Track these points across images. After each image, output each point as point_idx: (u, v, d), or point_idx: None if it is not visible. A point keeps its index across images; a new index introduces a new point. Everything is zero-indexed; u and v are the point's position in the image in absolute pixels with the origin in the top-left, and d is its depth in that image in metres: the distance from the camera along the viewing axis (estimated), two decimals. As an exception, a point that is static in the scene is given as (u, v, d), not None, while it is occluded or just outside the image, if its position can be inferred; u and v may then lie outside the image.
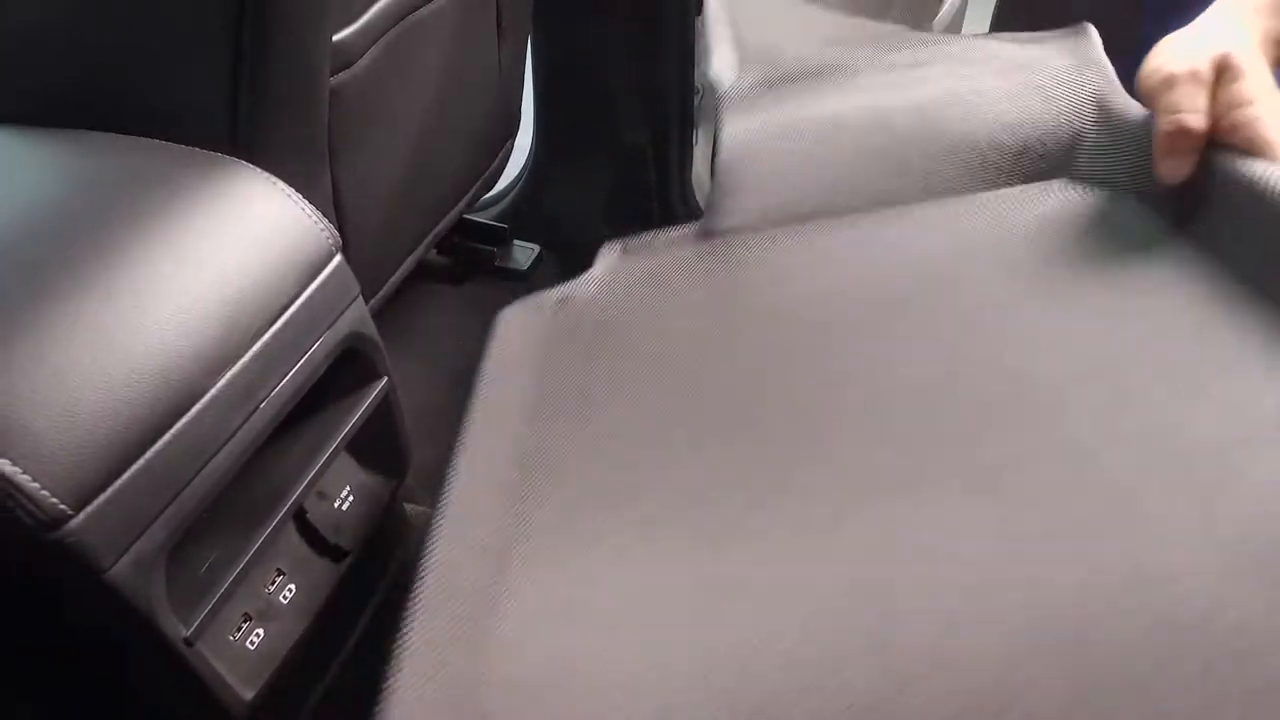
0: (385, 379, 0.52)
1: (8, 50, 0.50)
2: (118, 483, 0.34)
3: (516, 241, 1.20)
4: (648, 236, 0.53)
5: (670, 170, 1.18)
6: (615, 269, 0.51)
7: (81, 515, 0.33)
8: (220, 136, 0.51)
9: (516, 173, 1.26)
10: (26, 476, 0.31)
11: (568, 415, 0.41)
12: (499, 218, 1.24)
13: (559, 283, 0.52)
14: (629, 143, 1.16)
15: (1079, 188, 0.52)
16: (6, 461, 0.31)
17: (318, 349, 0.44)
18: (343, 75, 0.62)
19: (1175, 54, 0.46)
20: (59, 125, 0.49)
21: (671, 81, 1.10)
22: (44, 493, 0.31)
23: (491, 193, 1.17)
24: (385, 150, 0.74)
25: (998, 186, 0.53)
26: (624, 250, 0.52)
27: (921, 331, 0.45)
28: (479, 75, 0.92)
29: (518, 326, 0.48)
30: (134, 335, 0.35)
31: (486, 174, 1.06)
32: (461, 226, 1.18)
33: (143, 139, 0.45)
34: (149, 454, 0.35)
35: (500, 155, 1.07)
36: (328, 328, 0.45)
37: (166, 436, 0.36)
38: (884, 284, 0.48)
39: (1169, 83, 0.45)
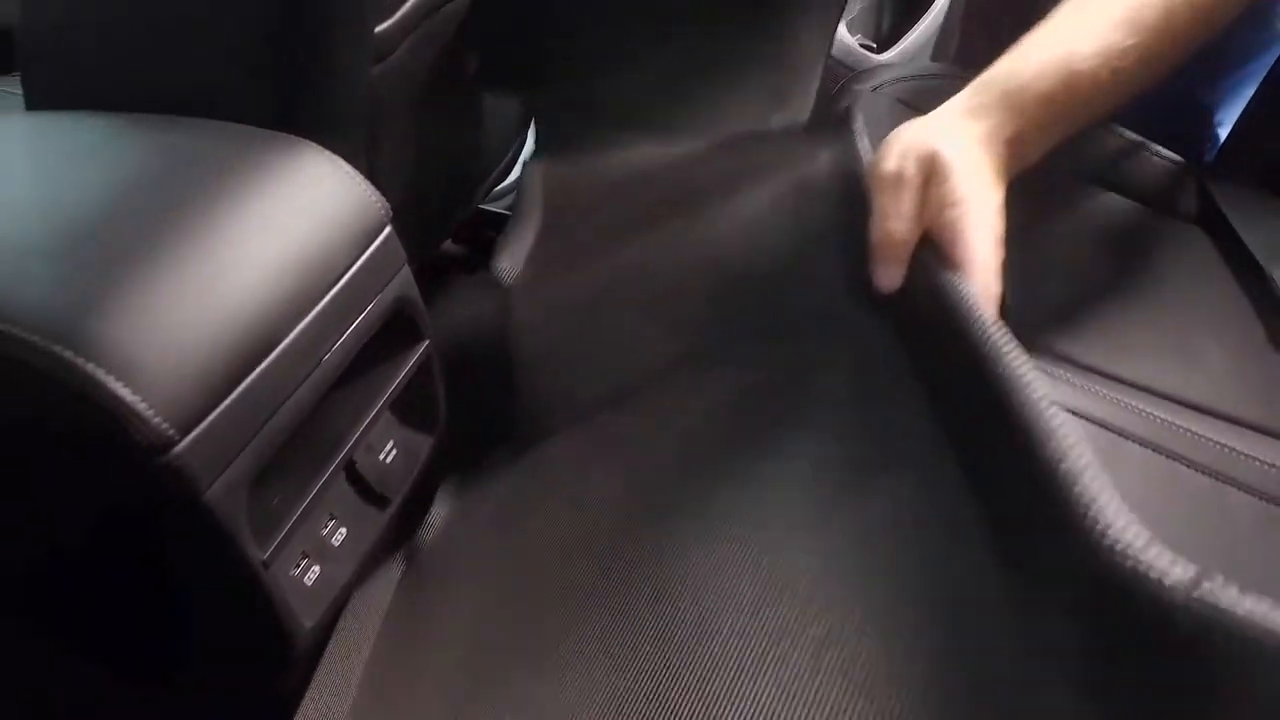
0: (427, 342, 0.57)
1: (79, 40, 0.55)
2: (214, 414, 0.38)
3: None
4: None
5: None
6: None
7: (186, 440, 0.37)
8: (267, 124, 0.56)
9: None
10: (144, 403, 0.36)
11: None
12: (511, 207, 1.29)
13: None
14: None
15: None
16: (126, 389, 0.35)
17: (373, 309, 0.49)
18: (380, 67, 0.67)
19: (891, 153, 0.44)
20: (123, 110, 0.54)
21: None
22: (156, 418, 0.36)
23: (504, 184, 1.22)
24: (414, 140, 0.79)
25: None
26: None
27: None
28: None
29: None
30: (225, 286, 0.40)
31: (501, 165, 1.11)
32: (476, 216, 1.23)
33: (208, 120, 0.50)
34: (238, 390, 0.40)
35: (515, 147, 1.12)
36: (380, 290, 0.50)
37: (252, 376, 0.40)
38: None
39: (879, 185, 0.44)
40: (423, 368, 0.57)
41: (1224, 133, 0.85)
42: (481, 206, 1.22)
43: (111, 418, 0.35)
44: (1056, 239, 0.70)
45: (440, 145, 0.84)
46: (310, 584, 0.52)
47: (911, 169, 0.43)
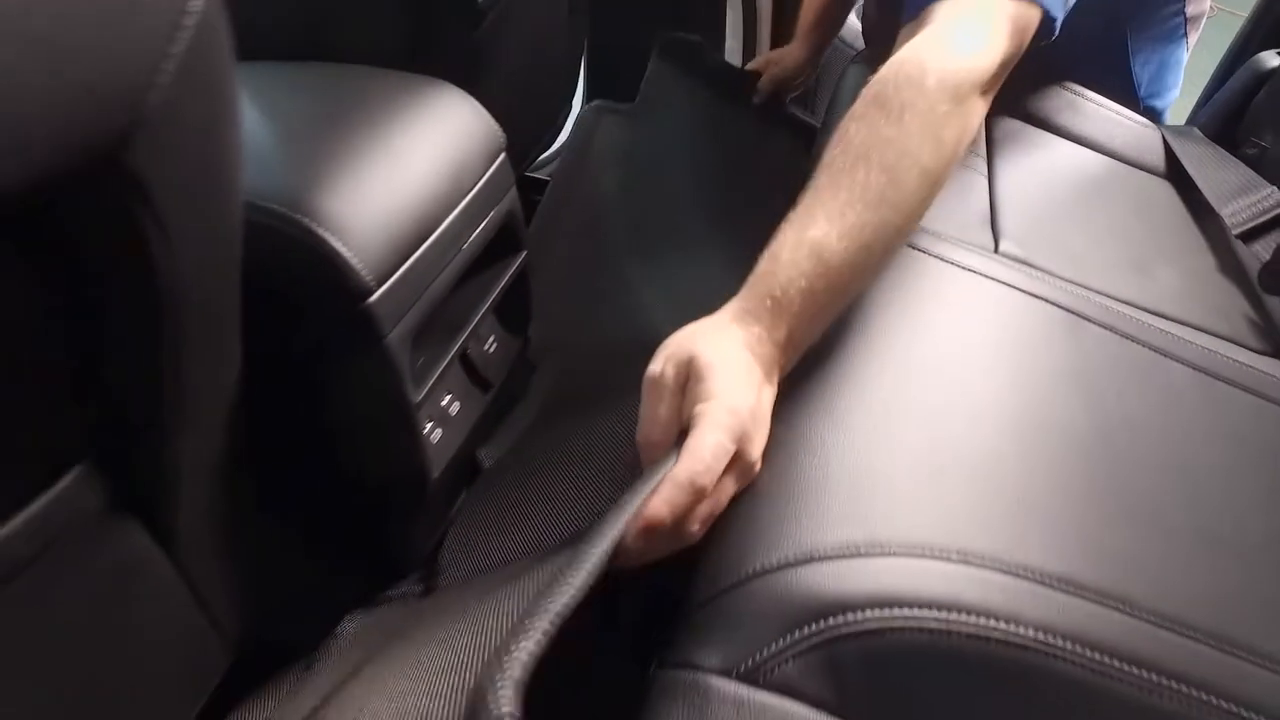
0: (525, 252, 0.69)
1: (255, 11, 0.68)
2: (396, 275, 0.51)
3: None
4: None
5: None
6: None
7: (379, 292, 0.50)
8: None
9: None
10: (355, 259, 0.48)
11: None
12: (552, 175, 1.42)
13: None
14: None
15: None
16: (344, 248, 0.48)
17: (493, 216, 0.62)
18: (476, 33, 0.79)
19: (657, 358, 0.46)
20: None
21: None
22: (363, 271, 0.49)
23: (547, 153, 1.35)
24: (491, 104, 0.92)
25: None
26: None
27: None
28: (551, 47, 1.10)
29: None
30: (402, 182, 0.53)
31: (547, 135, 1.23)
32: (520, 182, 1.36)
33: (370, 67, 0.62)
34: (411, 260, 0.52)
35: (560, 118, 1.25)
36: (499, 201, 0.63)
37: (420, 250, 0.53)
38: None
39: (644, 389, 0.45)
40: (520, 275, 0.70)
41: (1169, 98, 0.98)
42: (526, 174, 1.34)
43: (333, 268, 0.48)
44: (1047, 185, 0.83)
45: (507, 114, 0.97)
46: (435, 442, 0.64)
47: (670, 372, 0.44)
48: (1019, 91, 0.88)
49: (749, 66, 1.21)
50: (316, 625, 0.60)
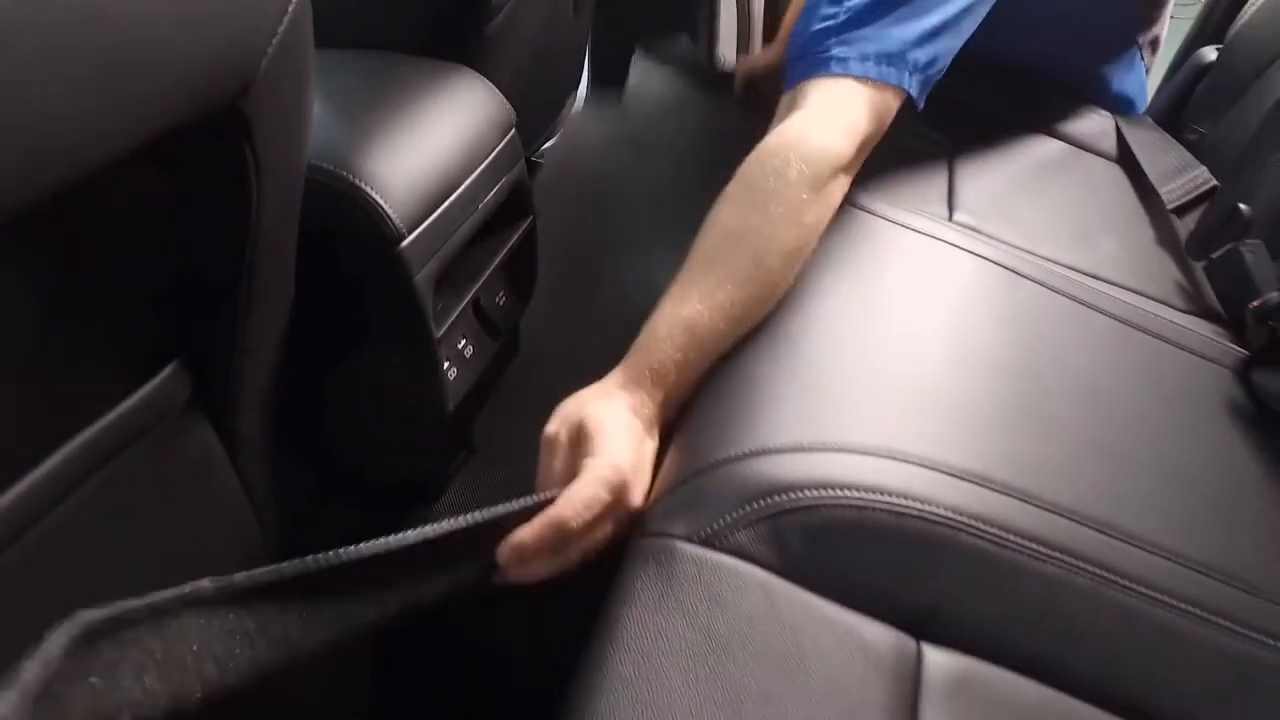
0: (531, 217, 0.78)
1: None
2: (423, 225, 0.60)
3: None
4: None
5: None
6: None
7: (409, 239, 0.59)
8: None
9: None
10: (390, 210, 0.57)
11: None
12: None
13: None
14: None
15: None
16: (381, 200, 0.57)
17: (504, 183, 0.71)
18: (489, 26, 0.89)
19: (553, 419, 0.52)
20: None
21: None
22: (396, 219, 0.58)
23: (550, 142, 1.44)
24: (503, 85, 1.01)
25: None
26: None
27: None
28: (557, 41, 1.19)
29: None
30: (430, 148, 0.62)
31: (554, 122, 1.33)
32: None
33: (395, 53, 0.72)
34: (435, 213, 0.62)
35: (564, 108, 1.34)
36: (509, 170, 0.72)
37: (442, 206, 0.62)
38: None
39: (542, 447, 0.51)
40: (527, 236, 0.79)
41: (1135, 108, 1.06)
42: (531, 159, 1.44)
43: (372, 217, 0.57)
44: (1004, 166, 0.92)
45: (518, 91, 1.06)
46: (451, 379, 0.73)
47: (564, 433, 0.51)
48: (985, 88, 0.97)
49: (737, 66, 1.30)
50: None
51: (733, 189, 0.59)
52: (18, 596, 0.42)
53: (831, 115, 0.63)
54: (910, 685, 0.45)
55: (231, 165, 0.38)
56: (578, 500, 0.48)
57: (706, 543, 0.48)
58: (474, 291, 0.74)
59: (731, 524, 0.48)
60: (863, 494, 0.49)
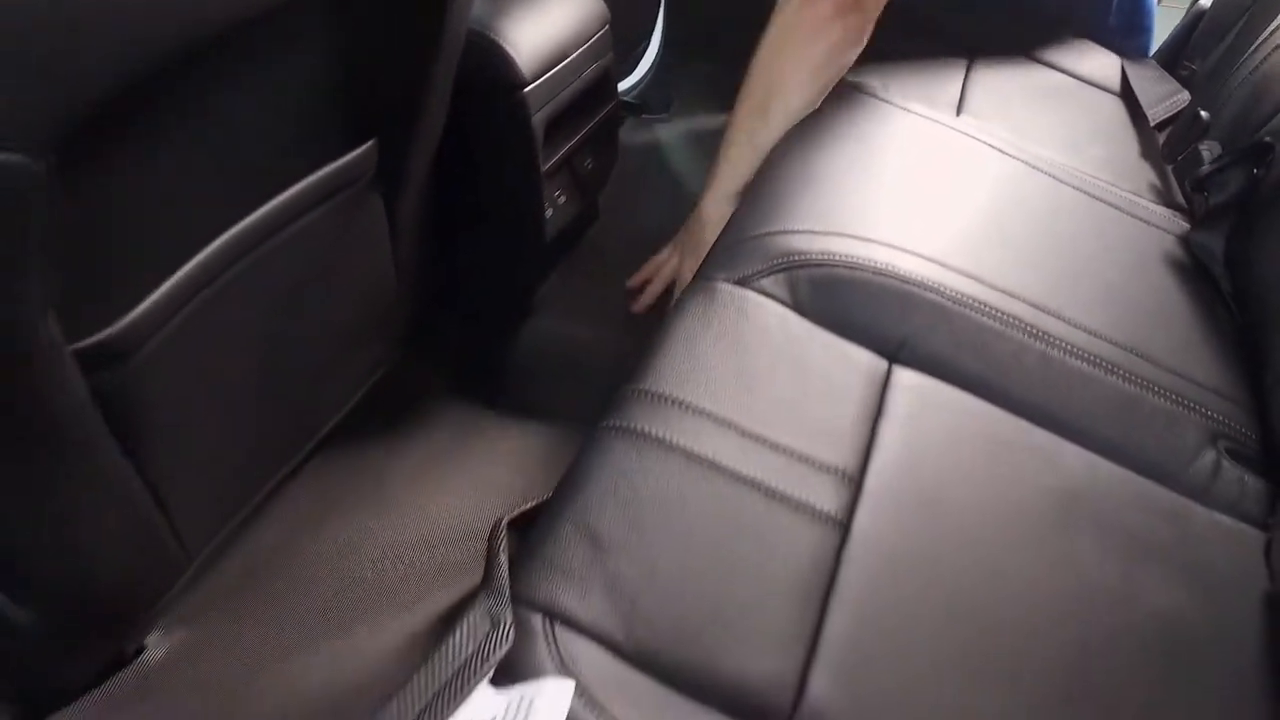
0: (615, 100, 0.98)
1: None
2: (541, 78, 0.80)
3: (644, 115, 1.67)
4: None
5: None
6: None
7: (531, 85, 0.79)
8: None
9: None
10: (520, 62, 0.78)
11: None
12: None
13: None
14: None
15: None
16: (513, 52, 0.77)
17: (598, 65, 0.91)
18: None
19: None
20: None
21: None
22: (521, 70, 0.78)
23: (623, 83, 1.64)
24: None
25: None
26: None
27: None
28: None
29: None
30: (550, 19, 0.82)
31: (626, 65, 1.52)
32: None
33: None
34: (551, 72, 0.82)
35: (640, 50, 1.54)
36: (603, 56, 0.92)
37: (556, 67, 0.82)
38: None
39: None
40: (610, 117, 0.99)
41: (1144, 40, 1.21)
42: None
43: (505, 66, 0.77)
44: (1013, 89, 1.08)
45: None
46: (549, 217, 0.93)
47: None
48: (1008, 28, 1.14)
49: None
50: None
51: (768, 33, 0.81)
52: (238, 294, 0.61)
53: None
54: (880, 388, 0.63)
55: (432, 18, 0.59)
56: (660, 259, 0.90)
57: (739, 283, 0.66)
58: (568, 149, 0.94)
59: (758, 272, 0.67)
60: (855, 260, 0.67)
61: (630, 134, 1.48)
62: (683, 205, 0.96)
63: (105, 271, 0.48)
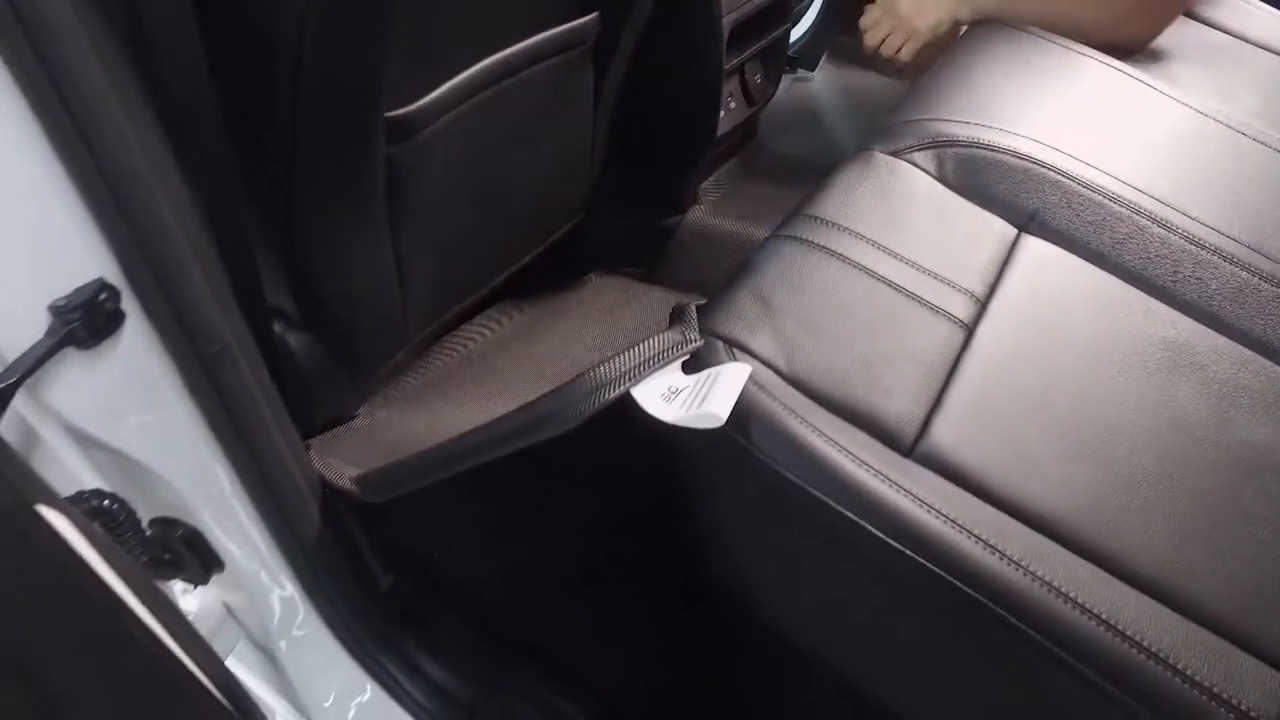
0: (787, 24, 1.09)
1: None
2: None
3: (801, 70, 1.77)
4: None
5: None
6: None
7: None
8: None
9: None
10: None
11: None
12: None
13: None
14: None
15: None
16: None
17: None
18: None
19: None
20: None
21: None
22: None
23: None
24: None
25: None
26: None
27: None
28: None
29: None
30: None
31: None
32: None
33: None
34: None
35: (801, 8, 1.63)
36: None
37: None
38: None
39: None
40: (780, 39, 1.10)
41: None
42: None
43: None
44: (1181, 54, 1.13)
45: None
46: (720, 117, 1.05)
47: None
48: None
49: None
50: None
51: None
52: (486, 113, 0.75)
53: None
54: (1009, 248, 0.72)
55: None
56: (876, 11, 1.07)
57: (894, 154, 0.77)
58: (741, 60, 1.05)
59: (910, 147, 0.77)
60: (998, 145, 0.76)
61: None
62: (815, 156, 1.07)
63: (421, 56, 0.63)
